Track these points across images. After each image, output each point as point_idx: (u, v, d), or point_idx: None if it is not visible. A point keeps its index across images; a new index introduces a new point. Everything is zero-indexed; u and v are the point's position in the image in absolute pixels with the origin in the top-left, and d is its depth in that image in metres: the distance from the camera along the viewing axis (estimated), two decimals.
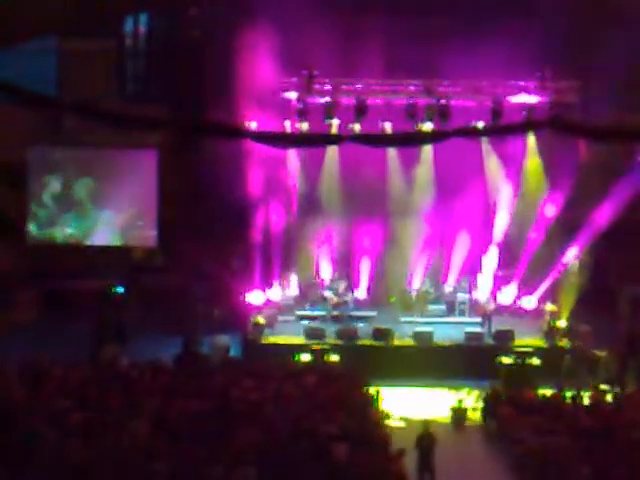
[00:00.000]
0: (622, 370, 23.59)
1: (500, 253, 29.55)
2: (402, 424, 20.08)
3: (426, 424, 17.23)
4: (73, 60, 30.83)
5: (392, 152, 29.25)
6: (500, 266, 29.56)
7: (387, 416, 19.48)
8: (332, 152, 29.24)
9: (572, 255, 28.53)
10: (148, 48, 32.73)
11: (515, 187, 29.46)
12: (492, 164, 29.71)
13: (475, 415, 21.15)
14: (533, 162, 29.38)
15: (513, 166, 29.37)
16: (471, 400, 21.49)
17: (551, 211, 28.80)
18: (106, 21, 30.52)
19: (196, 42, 30.62)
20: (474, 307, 28.40)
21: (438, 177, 29.50)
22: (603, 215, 27.49)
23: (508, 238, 29.44)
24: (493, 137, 28.22)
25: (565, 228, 28.54)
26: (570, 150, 27.62)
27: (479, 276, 29.45)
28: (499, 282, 29.39)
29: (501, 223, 29.52)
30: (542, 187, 29.24)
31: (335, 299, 28.23)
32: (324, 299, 28.51)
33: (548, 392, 20.82)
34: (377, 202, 29.46)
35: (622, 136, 23.73)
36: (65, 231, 30.92)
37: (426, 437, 16.91)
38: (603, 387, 21.79)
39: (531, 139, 28.92)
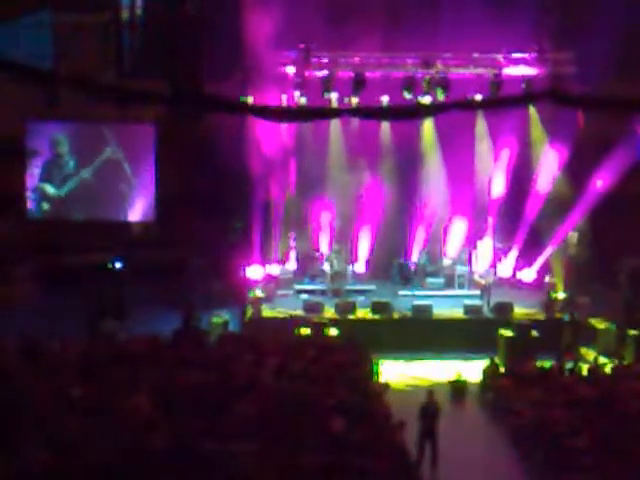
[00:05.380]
0: (620, 341, 23.70)
1: (499, 225, 29.56)
2: (403, 395, 20.12)
3: (430, 393, 17.24)
4: (69, 34, 30.62)
5: (388, 124, 29.16)
6: (499, 238, 29.55)
7: (387, 388, 19.54)
8: (335, 125, 29.10)
9: (571, 226, 28.54)
10: (145, 21, 32.50)
11: (514, 158, 29.35)
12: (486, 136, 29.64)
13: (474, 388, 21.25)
14: (535, 132, 29.27)
15: (512, 137, 29.21)
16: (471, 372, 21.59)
17: (551, 182, 28.78)
18: None
19: (194, 15, 30.39)
20: (473, 280, 28.42)
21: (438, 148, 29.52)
22: (602, 186, 27.56)
23: (507, 209, 29.41)
24: (491, 110, 28.07)
25: (564, 199, 28.52)
26: (568, 121, 27.58)
27: (478, 249, 29.41)
28: (498, 254, 29.39)
29: (499, 195, 29.53)
30: (540, 157, 29.17)
31: (333, 273, 28.21)
32: (323, 273, 28.52)
33: (547, 364, 20.90)
34: (377, 174, 29.45)
35: (619, 106, 23.75)
36: (63, 206, 30.89)
37: (430, 406, 16.93)
38: (602, 359, 21.87)
39: (532, 110, 28.74)
